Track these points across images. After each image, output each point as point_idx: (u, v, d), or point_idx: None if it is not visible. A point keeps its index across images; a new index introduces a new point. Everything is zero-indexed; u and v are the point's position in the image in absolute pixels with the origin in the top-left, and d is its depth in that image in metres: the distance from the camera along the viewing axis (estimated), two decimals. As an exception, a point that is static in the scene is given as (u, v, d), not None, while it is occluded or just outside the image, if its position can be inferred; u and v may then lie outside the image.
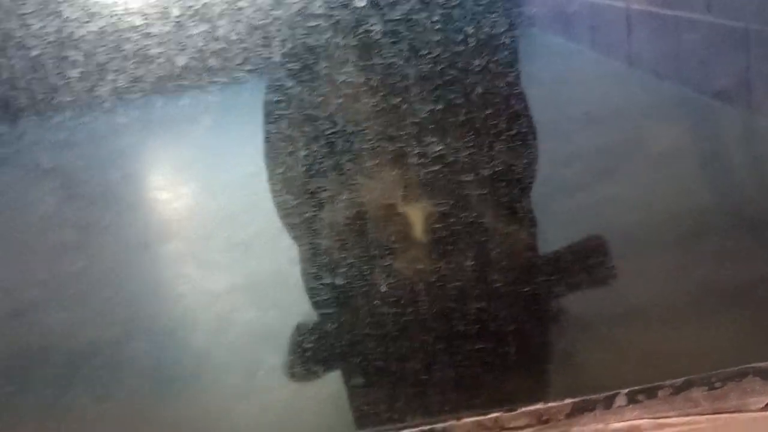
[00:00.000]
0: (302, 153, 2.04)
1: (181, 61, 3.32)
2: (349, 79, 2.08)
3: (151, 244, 3.38)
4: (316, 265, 2.02)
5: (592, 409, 1.69)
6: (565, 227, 2.82)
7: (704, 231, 2.53)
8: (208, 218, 3.52)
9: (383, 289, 1.92)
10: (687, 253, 2.46)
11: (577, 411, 1.69)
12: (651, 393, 1.71)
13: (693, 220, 2.56)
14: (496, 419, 1.76)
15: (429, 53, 1.93)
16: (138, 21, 3.25)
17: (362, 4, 1.97)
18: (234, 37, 3.25)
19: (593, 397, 1.70)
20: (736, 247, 2.28)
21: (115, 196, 3.63)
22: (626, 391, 1.71)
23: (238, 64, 3.24)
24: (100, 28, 3.17)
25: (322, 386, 2.19)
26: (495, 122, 1.90)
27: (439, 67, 1.97)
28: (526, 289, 1.93)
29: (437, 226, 1.87)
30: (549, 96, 3.59)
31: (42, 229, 3.42)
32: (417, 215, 1.95)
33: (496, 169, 1.93)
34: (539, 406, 1.71)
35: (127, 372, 2.44)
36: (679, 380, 1.70)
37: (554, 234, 2.71)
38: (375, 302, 1.92)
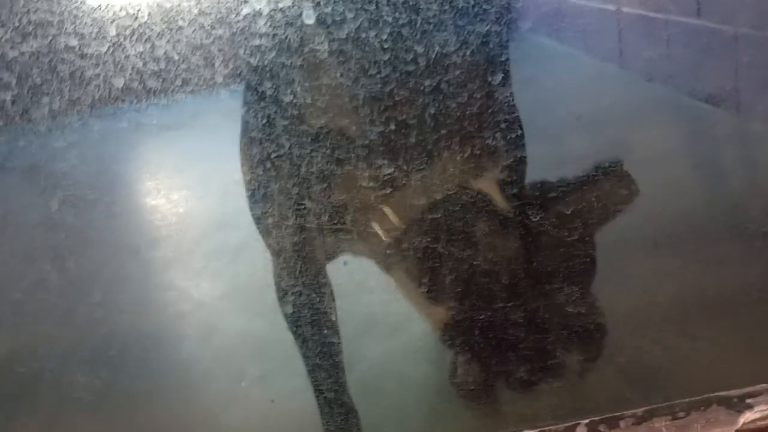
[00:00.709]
0: (248, 177, 1.96)
1: (118, 82, 3.21)
2: (296, 100, 1.99)
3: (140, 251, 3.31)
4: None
5: (551, 440, 1.45)
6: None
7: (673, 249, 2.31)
8: (195, 226, 3.50)
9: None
10: (655, 275, 2.34)
11: (537, 442, 1.46)
12: (612, 423, 1.66)
13: (661, 233, 2.38)
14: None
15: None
16: (73, 42, 3.12)
17: (310, 22, 1.89)
18: (175, 56, 3.15)
19: (553, 427, 1.64)
20: (704, 270, 2.22)
21: (56, 223, 3.52)
22: (586, 421, 1.66)
23: (178, 85, 3.15)
24: (34, 49, 3.05)
25: (304, 396, 2.15)
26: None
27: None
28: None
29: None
30: (540, 99, 3.58)
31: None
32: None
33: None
34: (498, 438, 1.42)
35: (113, 378, 2.40)
36: (641, 410, 1.65)
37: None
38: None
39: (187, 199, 3.89)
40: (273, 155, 1.87)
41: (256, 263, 2.94)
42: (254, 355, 2.46)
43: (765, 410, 1.54)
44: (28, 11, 2.90)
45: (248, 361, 2.41)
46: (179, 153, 4.22)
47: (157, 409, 2.31)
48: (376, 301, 2.58)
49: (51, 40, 2.89)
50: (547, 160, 3.23)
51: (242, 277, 2.95)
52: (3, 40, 2.94)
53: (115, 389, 2.39)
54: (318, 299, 1.94)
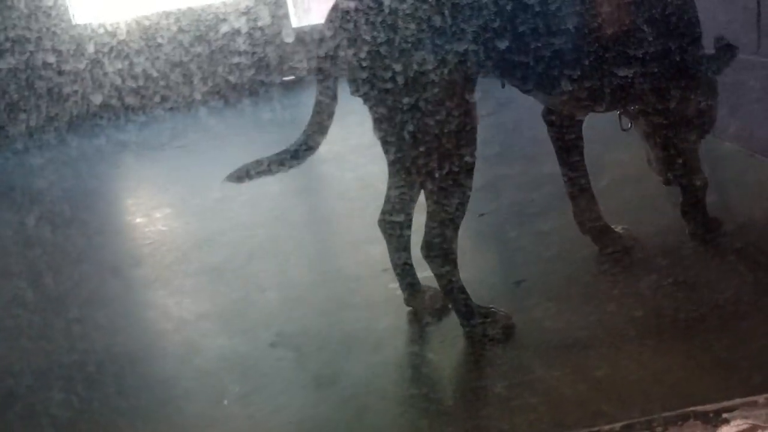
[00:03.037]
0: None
1: (97, 99, 3.23)
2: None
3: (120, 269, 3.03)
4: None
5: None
6: (538, 249, 2.58)
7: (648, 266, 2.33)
8: (176, 244, 3.19)
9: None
10: (629, 289, 2.26)
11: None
12: None
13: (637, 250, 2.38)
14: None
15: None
16: (51, 58, 3.13)
17: (289, 40, 1.90)
18: (154, 74, 3.17)
19: None
20: (681, 284, 2.22)
21: (33, 240, 3.40)
22: None
23: (157, 102, 3.17)
24: (12, 65, 3.06)
25: (285, 414, 1.94)
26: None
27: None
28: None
29: None
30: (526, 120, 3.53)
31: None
32: None
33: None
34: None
35: (90, 396, 2.12)
36: (618, 425, 1.50)
37: (527, 255, 2.55)
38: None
39: (168, 218, 3.52)
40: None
41: (237, 282, 2.78)
42: (235, 374, 2.18)
43: (741, 424, 1.42)
44: (6, 28, 2.92)
45: (229, 380, 2.15)
46: (159, 171, 4.07)
47: (135, 428, 2.02)
48: (358, 318, 2.34)
49: (28, 57, 2.89)
50: (525, 180, 3.25)
51: (223, 296, 2.67)
52: None
53: (93, 407, 2.10)
54: None
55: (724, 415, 1.44)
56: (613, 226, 2.43)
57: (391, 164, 2.14)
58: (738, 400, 1.46)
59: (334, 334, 2.26)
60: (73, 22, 2.89)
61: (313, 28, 2.68)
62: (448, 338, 2.14)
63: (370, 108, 2.01)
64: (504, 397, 1.82)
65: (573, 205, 2.42)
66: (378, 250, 2.26)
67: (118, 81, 2.93)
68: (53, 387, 2.19)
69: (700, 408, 1.47)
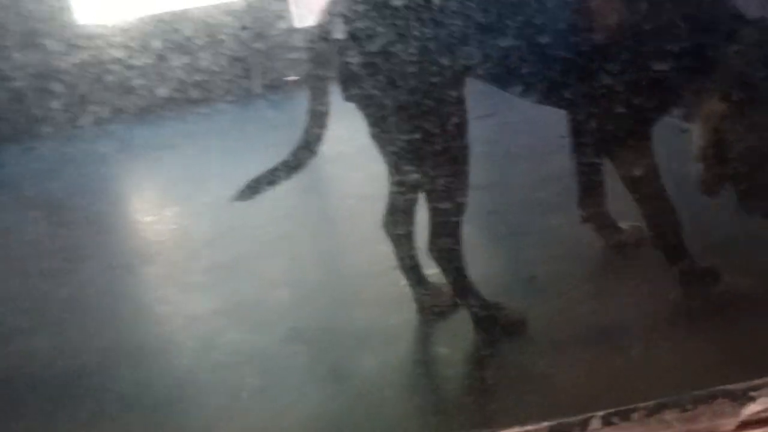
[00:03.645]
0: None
1: (162, 92, 3.32)
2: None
3: (133, 267, 3.10)
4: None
5: (568, 432, 1.56)
6: (542, 247, 2.66)
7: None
8: (189, 242, 3.26)
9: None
10: (659, 274, 2.29)
11: (554, 434, 1.57)
12: (625, 416, 1.54)
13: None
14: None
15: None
16: (119, 53, 3.24)
17: (341, 36, 1.99)
18: (216, 68, 3.26)
19: (569, 419, 1.54)
20: (705, 270, 2.25)
21: (99, 223, 3.47)
22: (601, 413, 1.53)
23: (219, 95, 3.25)
24: (82, 60, 3.17)
25: (301, 409, 2.01)
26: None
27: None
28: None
29: None
30: (527, 120, 3.55)
31: (27, 256, 3.21)
32: None
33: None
34: (516, 429, 1.55)
35: (111, 396, 2.19)
36: (652, 403, 1.54)
37: (533, 253, 2.63)
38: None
39: (180, 216, 3.54)
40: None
41: (248, 279, 2.82)
42: (250, 369, 2.23)
43: (767, 403, 1.48)
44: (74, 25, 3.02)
45: (244, 375, 2.20)
46: (171, 171, 4.19)
47: (152, 424, 2.08)
48: (370, 314, 2.42)
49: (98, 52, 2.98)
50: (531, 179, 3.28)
51: (236, 293, 2.70)
52: (53, 51, 3.05)
53: (109, 405, 2.15)
54: None
55: (751, 394, 1.49)
56: (621, 223, 2.48)
57: (390, 167, 2.21)
58: (765, 379, 1.51)
59: (347, 329, 2.36)
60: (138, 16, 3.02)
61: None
62: (459, 335, 2.23)
63: (366, 113, 2.10)
64: (515, 394, 1.92)
65: (579, 191, 2.47)
66: (388, 247, 2.32)
67: (182, 75, 3.02)
68: (69, 385, 2.26)
69: (728, 387, 1.52)
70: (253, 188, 2.20)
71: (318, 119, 2.17)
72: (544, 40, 2.02)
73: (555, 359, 2.02)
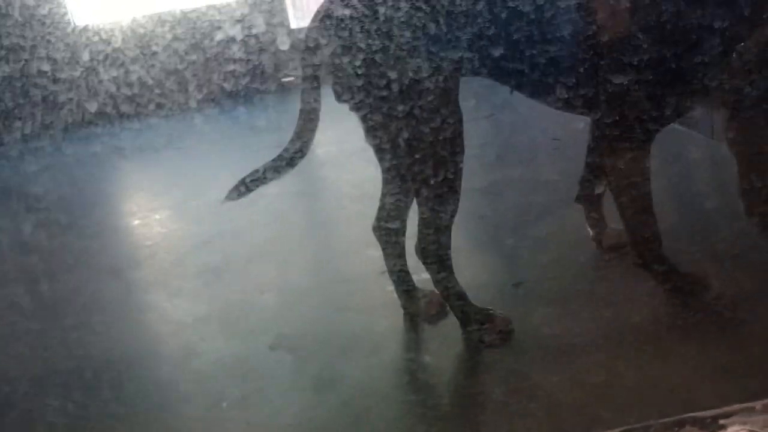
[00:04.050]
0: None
1: (92, 106, 3.23)
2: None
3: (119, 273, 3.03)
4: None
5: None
6: (535, 251, 2.59)
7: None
8: (174, 247, 3.20)
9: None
10: (629, 294, 2.22)
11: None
12: None
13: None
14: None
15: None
16: (45, 66, 3.14)
17: (285, 48, 1.89)
18: (149, 81, 3.18)
19: None
20: (678, 289, 2.22)
21: (29, 247, 3.31)
22: None
23: (152, 109, 3.17)
24: (6, 74, 3.06)
25: (283, 418, 1.97)
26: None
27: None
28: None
29: None
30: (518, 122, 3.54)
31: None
32: None
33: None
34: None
35: (87, 402, 2.14)
36: (617, 430, 1.51)
37: (524, 259, 2.57)
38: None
39: (166, 221, 3.52)
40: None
41: (235, 285, 2.79)
42: (234, 377, 2.20)
43: (738, 430, 1.42)
44: (0, 36, 2.94)
45: (228, 383, 2.18)
46: (156, 175, 4.13)
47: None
48: (356, 321, 2.36)
49: (23, 65, 2.90)
50: (525, 184, 3.23)
51: (222, 299, 2.68)
52: None
53: (90, 413, 2.11)
54: None
55: (721, 422, 1.44)
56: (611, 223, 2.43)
57: (386, 171, 2.17)
58: (735, 406, 1.46)
59: (333, 337, 2.28)
60: (70, 29, 2.91)
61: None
62: (447, 341, 2.16)
63: (363, 116, 2.04)
64: (501, 403, 1.84)
65: (584, 169, 2.42)
66: (376, 253, 2.27)
67: (113, 89, 2.95)
68: (50, 393, 2.19)
69: (697, 414, 1.47)
70: (241, 188, 2.13)
71: (309, 118, 2.12)
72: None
73: (513, 385, 1.92)
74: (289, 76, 3.47)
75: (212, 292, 2.70)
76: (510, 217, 2.87)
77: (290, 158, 2.12)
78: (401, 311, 2.28)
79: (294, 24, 4.60)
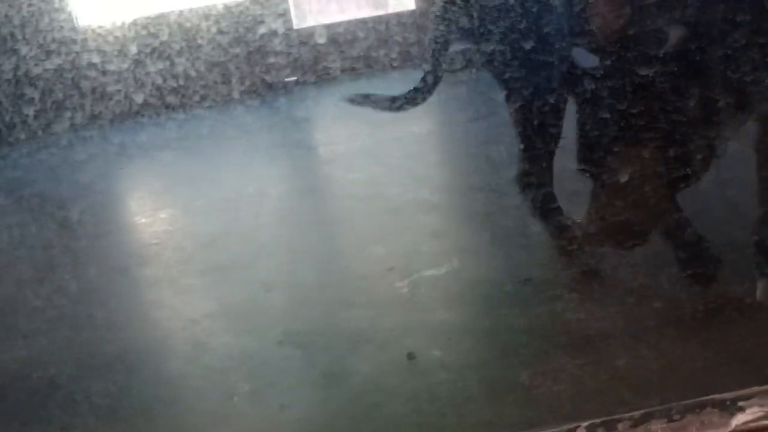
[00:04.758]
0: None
1: (139, 98, 3.31)
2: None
3: (128, 269, 3.07)
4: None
5: (552, 443, 1.53)
6: (536, 249, 2.65)
7: (666, 259, 2.33)
8: (184, 244, 3.21)
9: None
10: (647, 282, 2.27)
11: (538, 445, 1.53)
12: (610, 426, 1.51)
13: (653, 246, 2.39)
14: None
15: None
16: (95, 59, 3.22)
17: (322, 41, 1.97)
18: (193, 74, 3.24)
19: (553, 430, 1.52)
20: (696, 279, 2.22)
21: (73, 234, 3.39)
22: (586, 424, 1.51)
23: (196, 101, 3.23)
24: (58, 65, 3.15)
25: (293, 412, 1.99)
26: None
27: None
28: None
29: None
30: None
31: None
32: None
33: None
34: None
35: (103, 397, 2.16)
36: (639, 412, 1.51)
37: (527, 255, 2.62)
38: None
39: (176, 218, 3.53)
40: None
41: (243, 282, 2.81)
42: (243, 373, 2.21)
43: (757, 413, 1.45)
44: (53, 29, 3.01)
45: (238, 378, 2.19)
46: (166, 173, 4.16)
47: (144, 427, 2.06)
48: (364, 317, 2.40)
49: (74, 57, 2.97)
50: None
51: (230, 295, 2.69)
52: (28, 56, 3.03)
53: (100, 409, 2.12)
54: None
55: (740, 404, 1.47)
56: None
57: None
58: (754, 389, 1.49)
59: (341, 332, 2.34)
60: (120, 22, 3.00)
61: (347, 28, 2.78)
62: (455, 335, 2.22)
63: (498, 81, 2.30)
64: (526, 385, 1.91)
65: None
66: (383, 249, 2.35)
67: (160, 81, 3.01)
68: (60, 388, 2.24)
69: (717, 396, 1.50)
70: (359, 98, 2.37)
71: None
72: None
73: (539, 367, 1.98)
74: (292, 76, 3.60)
75: (220, 289, 2.75)
76: (517, 214, 2.86)
77: (413, 98, 2.32)
78: (408, 306, 2.35)
79: (296, 24, 4.64)
